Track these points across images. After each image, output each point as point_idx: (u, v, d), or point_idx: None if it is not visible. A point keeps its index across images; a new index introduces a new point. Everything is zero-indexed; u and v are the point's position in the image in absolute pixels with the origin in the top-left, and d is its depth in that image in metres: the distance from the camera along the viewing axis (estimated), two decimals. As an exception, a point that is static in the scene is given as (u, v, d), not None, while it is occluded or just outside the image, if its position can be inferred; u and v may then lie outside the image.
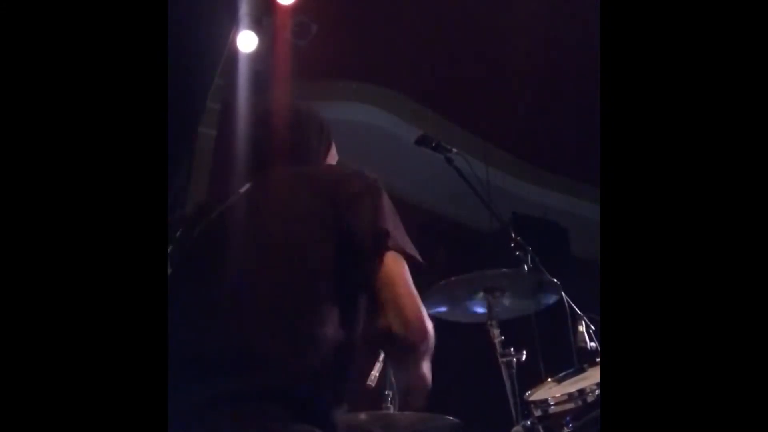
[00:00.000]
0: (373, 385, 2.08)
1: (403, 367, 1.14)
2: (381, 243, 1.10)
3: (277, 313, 1.05)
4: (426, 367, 1.12)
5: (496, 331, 2.13)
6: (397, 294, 1.06)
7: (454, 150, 2.21)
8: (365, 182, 1.22)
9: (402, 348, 1.06)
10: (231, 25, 3.52)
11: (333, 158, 1.45)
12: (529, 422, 1.82)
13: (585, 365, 1.84)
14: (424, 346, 1.06)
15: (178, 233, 1.26)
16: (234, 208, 1.26)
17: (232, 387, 0.97)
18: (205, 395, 0.97)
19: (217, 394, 0.97)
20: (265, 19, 3.66)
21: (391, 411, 2.14)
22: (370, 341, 1.13)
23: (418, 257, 1.15)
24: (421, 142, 2.21)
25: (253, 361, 1.00)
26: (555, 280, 2.13)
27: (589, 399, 1.64)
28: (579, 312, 2.01)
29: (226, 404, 0.96)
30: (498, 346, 2.10)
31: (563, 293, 2.10)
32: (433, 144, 2.20)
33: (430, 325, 1.07)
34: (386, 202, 1.19)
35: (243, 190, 1.30)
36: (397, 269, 1.09)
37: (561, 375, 1.87)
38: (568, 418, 1.67)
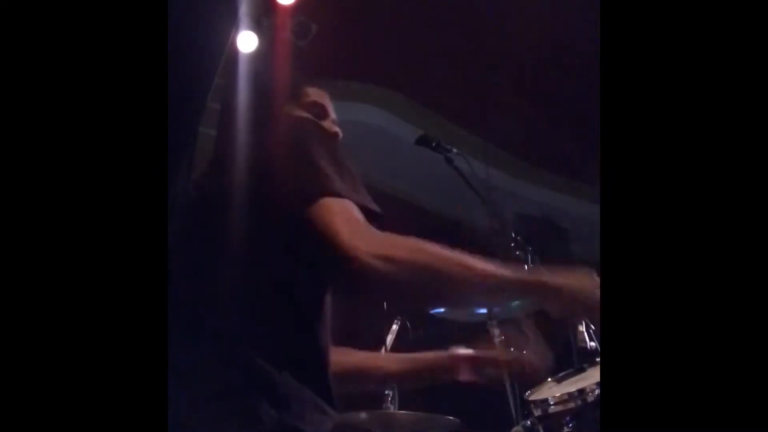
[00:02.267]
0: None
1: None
2: (314, 186, 1.00)
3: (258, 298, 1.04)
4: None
5: (496, 331, 2.13)
6: (332, 221, 0.95)
7: (454, 150, 2.21)
8: (303, 128, 1.13)
9: (341, 272, 0.98)
10: (231, 25, 3.51)
11: (305, 102, 1.41)
12: (529, 422, 1.82)
13: (585, 365, 1.84)
14: (354, 267, 0.94)
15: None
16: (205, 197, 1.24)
17: (215, 384, 0.97)
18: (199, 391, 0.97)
19: (207, 391, 0.97)
20: (265, 19, 3.66)
21: (391, 411, 2.14)
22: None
23: (373, 206, 1.05)
24: (421, 142, 2.21)
25: (234, 357, 1.00)
26: (555, 280, 2.12)
27: (589, 399, 1.63)
28: (579, 312, 2.00)
29: (216, 400, 0.96)
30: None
31: (563, 293, 2.10)
32: (433, 144, 2.20)
33: (366, 248, 0.94)
34: (320, 145, 1.08)
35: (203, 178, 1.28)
36: (340, 205, 0.98)
37: (561, 375, 1.87)
38: (568, 418, 1.67)
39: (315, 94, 1.43)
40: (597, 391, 1.62)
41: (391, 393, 2.17)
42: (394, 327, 2.18)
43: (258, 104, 1.45)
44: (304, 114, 1.32)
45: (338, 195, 1.00)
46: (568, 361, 1.95)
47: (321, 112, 1.42)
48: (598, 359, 1.82)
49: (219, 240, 1.12)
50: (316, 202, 0.99)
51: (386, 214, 1.13)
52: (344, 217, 0.97)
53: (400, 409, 2.15)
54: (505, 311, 2.26)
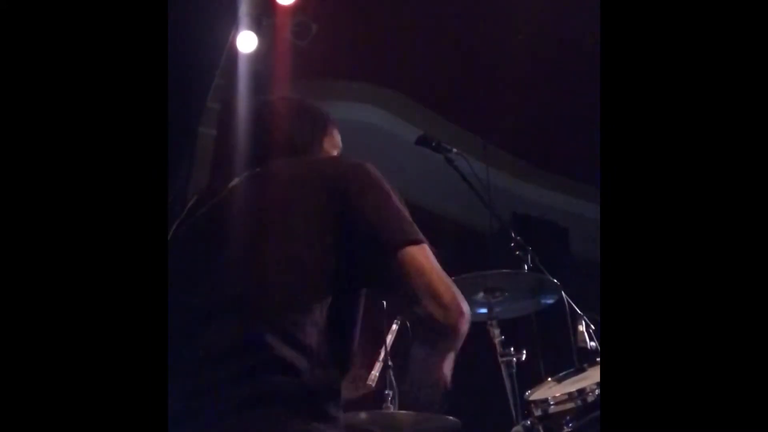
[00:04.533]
0: (373, 385, 2.08)
1: (434, 356, 1.14)
2: (404, 236, 1.09)
3: (274, 311, 1.04)
4: (449, 365, 1.11)
5: (496, 331, 2.13)
6: (430, 280, 1.06)
7: (454, 150, 2.21)
8: (367, 175, 1.19)
9: (442, 333, 1.07)
10: (231, 25, 3.51)
11: (333, 145, 1.42)
12: (529, 422, 1.82)
13: (585, 365, 1.84)
14: (464, 328, 1.07)
15: (171, 232, 1.26)
16: (224, 202, 1.25)
17: (233, 390, 0.97)
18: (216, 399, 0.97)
19: (220, 397, 0.97)
20: (265, 19, 3.66)
21: (391, 411, 2.14)
22: (412, 328, 1.12)
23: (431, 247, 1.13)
24: (421, 142, 2.20)
25: (252, 360, 1.00)
26: (555, 280, 2.13)
27: (589, 399, 1.63)
28: (579, 312, 2.01)
29: (233, 408, 0.96)
30: (498, 346, 2.10)
31: (563, 293, 2.10)
32: (433, 144, 2.19)
33: (466, 306, 1.07)
34: (394, 194, 1.18)
35: (232, 183, 1.29)
36: (424, 256, 1.09)
37: (561, 375, 1.87)
38: (568, 418, 1.67)
39: (338, 137, 1.45)
40: (597, 391, 1.62)
41: (391, 393, 2.17)
42: (394, 327, 2.19)
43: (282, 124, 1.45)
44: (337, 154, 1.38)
45: (420, 242, 1.10)
46: (568, 361, 1.95)
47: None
48: (598, 359, 1.82)
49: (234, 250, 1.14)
50: (404, 248, 1.08)
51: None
52: (433, 264, 1.09)
53: (400, 409, 2.15)
54: (506, 311, 2.27)
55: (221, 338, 1.03)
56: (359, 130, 4.63)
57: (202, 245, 1.20)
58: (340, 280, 1.10)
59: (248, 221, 1.18)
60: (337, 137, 1.44)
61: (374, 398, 2.15)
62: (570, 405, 1.67)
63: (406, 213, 1.15)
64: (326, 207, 1.14)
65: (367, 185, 1.17)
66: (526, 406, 1.83)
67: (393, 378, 2.18)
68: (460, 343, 1.10)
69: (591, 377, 1.75)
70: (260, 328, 1.02)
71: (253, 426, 0.94)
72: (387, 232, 1.10)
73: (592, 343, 1.93)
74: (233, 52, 3.58)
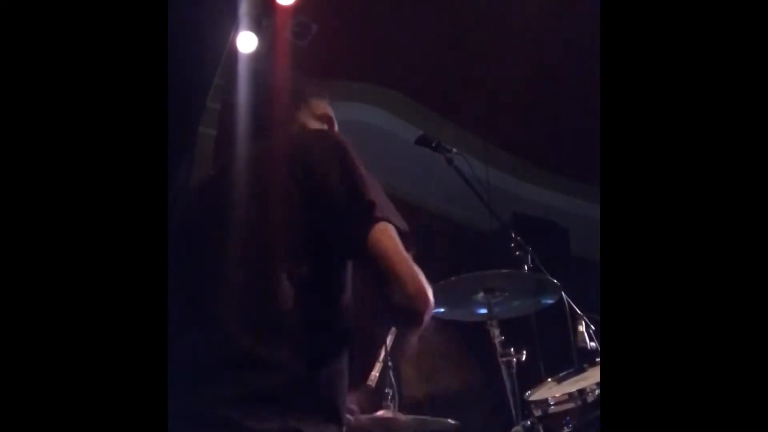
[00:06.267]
0: (373, 386, 2.08)
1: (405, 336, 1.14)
2: (367, 214, 1.06)
3: (254, 304, 1.03)
4: (409, 351, 1.11)
5: (496, 331, 2.13)
6: (393, 265, 1.03)
7: (454, 150, 2.21)
8: (332, 144, 1.16)
9: (406, 320, 1.06)
10: (231, 25, 3.51)
11: (315, 116, 1.40)
12: (529, 422, 1.82)
13: (585, 365, 1.84)
14: (428, 316, 1.05)
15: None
16: (201, 202, 1.26)
17: (218, 391, 0.96)
18: (197, 401, 0.96)
19: (206, 400, 0.96)
20: (265, 19, 3.66)
21: (391, 411, 2.14)
22: (375, 316, 1.11)
23: (404, 226, 1.10)
24: (421, 142, 2.20)
25: (238, 361, 0.98)
26: (555, 280, 2.13)
27: (589, 399, 1.64)
28: (579, 312, 2.01)
29: (214, 409, 0.95)
30: (498, 346, 2.10)
31: (563, 293, 2.10)
32: (433, 144, 2.19)
33: (431, 293, 1.05)
34: (360, 165, 1.13)
35: (207, 177, 1.30)
36: (388, 238, 1.05)
37: (561, 375, 1.87)
38: (567, 418, 1.67)
39: (322, 106, 1.44)
40: (597, 391, 1.62)
41: (391, 393, 2.17)
42: (378, 364, 2.18)
43: (258, 104, 1.46)
44: (323, 127, 1.36)
45: (386, 220, 1.07)
46: (568, 361, 1.95)
47: (330, 124, 1.44)
48: (598, 359, 1.83)
49: (226, 240, 1.12)
50: (369, 229, 1.05)
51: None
52: (397, 247, 1.05)
53: (399, 410, 2.15)
54: (505, 311, 2.26)
55: (199, 338, 1.02)
56: (359, 130, 4.62)
57: (188, 244, 1.20)
58: (315, 265, 1.07)
59: (223, 218, 1.17)
60: (320, 107, 1.42)
61: (374, 398, 2.15)
62: (570, 405, 1.67)
63: (372, 188, 1.10)
64: (293, 185, 1.11)
65: (330, 154, 1.14)
66: (526, 406, 1.83)
67: (393, 378, 2.18)
68: (420, 332, 1.08)
69: (591, 377, 1.75)
70: (233, 327, 1.00)
71: (236, 426, 0.92)
72: (352, 208, 1.07)
73: (592, 343, 1.94)
74: (233, 52, 3.57)
